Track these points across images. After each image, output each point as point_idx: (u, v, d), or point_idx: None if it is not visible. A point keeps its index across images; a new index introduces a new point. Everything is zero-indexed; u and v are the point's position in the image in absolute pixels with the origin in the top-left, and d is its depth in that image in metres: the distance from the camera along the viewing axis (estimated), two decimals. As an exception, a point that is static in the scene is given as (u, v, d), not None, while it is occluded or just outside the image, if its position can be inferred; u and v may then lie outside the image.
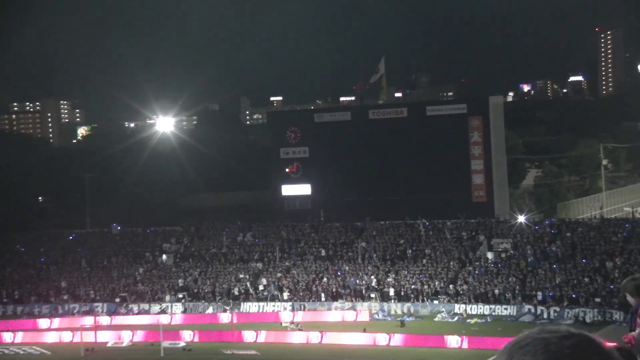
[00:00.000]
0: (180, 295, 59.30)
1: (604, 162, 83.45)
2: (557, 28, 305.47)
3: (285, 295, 57.40)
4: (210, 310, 57.20)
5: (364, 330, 48.92)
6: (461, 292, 54.22)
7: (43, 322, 56.68)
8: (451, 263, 57.55)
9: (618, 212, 74.95)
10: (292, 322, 52.50)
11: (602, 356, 2.23)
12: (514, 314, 51.36)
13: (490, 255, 57.48)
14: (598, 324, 47.19)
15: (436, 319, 52.39)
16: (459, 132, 63.78)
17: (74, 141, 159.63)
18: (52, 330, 54.61)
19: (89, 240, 69.13)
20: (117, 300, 59.70)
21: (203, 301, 58.40)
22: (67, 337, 52.00)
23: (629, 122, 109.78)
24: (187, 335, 50.43)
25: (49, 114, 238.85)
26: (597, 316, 49.00)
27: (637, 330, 5.72)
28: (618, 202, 78.91)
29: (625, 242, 55.85)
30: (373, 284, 56.75)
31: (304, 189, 68.37)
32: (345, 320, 53.28)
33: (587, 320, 48.85)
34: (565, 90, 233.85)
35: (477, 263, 56.98)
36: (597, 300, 49.92)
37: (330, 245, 62.32)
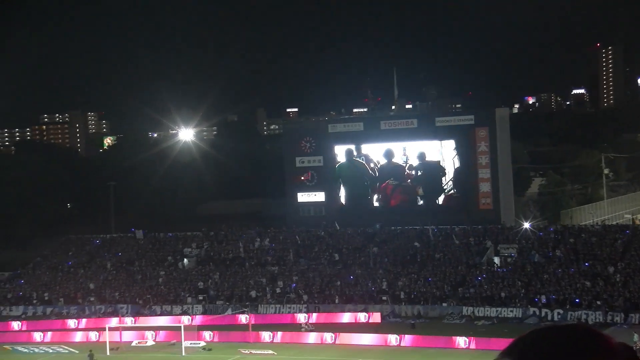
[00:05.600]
0: (201, 297, 60.52)
1: (605, 171, 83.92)
2: (561, 44, 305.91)
3: (301, 297, 58.65)
4: (229, 311, 57.95)
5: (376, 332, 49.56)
6: (468, 295, 55.22)
7: (71, 322, 58.18)
8: (459, 267, 58.66)
9: (619, 219, 75.49)
10: (306, 323, 53.72)
11: (600, 339, 2.29)
12: (520, 316, 52.24)
13: (496, 259, 58.57)
14: (600, 326, 47.27)
15: (445, 321, 53.32)
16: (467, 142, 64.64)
17: (100, 151, 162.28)
18: (79, 330, 55.85)
19: (113, 244, 70.37)
20: (141, 302, 61.15)
21: (222, 303, 59.54)
22: (93, 336, 53.08)
23: (628, 134, 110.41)
24: (207, 336, 51.26)
25: (77, 125, 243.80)
26: (598, 318, 50.04)
27: None
28: (618, 209, 79.33)
29: (625, 248, 56.57)
30: (384, 287, 58.12)
31: (318, 197, 69.22)
32: (358, 322, 53.98)
33: (590, 322, 49.61)
34: (568, 103, 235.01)
35: (484, 267, 58.07)
36: (599, 303, 51.03)
37: (344, 250, 63.64)
